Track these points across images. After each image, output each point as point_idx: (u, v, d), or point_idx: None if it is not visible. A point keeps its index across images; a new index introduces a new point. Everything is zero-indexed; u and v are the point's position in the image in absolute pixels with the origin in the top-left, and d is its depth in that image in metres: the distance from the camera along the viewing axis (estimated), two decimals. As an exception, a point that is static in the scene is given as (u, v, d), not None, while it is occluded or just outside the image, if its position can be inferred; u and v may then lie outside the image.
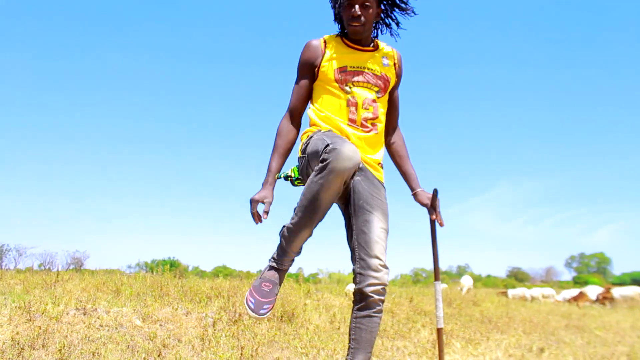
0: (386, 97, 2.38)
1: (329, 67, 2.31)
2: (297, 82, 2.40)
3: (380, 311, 2.11)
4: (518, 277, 57.76)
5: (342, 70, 2.30)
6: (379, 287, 2.06)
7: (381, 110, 2.34)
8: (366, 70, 2.32)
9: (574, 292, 14.15)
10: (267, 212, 2.17)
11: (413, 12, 2.41)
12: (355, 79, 2.30)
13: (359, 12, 2.23)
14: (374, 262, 2.07)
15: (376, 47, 2.40)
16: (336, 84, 2.29)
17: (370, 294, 2.06)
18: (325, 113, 2.29)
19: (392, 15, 2.43)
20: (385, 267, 2.10)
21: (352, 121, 2.27)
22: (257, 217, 2.17)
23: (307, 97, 2.39)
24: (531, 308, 10.69)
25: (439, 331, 2.39)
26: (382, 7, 2.38)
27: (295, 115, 2.39)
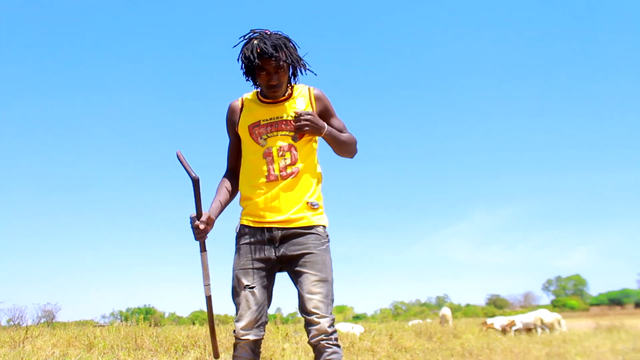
0: (307, 139, 2.39)
1: (244, 124, 2.41)
2: (228, 143, 2.54)
3: (334, 352, 2.14)
4: (497, 304, 57.89)
5: (256, 125, 2.38)
6: (321, 335, 2.14)
7: (302, 154, 2.36)
8: (279, 120, 2.36)
9: (488, 321, 14.56)
10: (206, 223, 2.23)
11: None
12: (268, 130, 2.36)
13: (275, 82, 2.29)
14: (310, 318, 2.17)
15: (291, 94, 2.42)
16: (252, 139, 2.38)
17: (315, 343, 2.15)
18: (243, 177, 2.43)
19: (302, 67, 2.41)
20: (324, 316, 2.16)
21: (269, 174, 2.33)
22: (197, 232, 2.22)
23: (239, 152, 2.49)
24: (511, 337, 10.69)
25: (208, 299, 2.34)
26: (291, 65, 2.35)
27: (235, 173, 2.51)
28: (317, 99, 2.44)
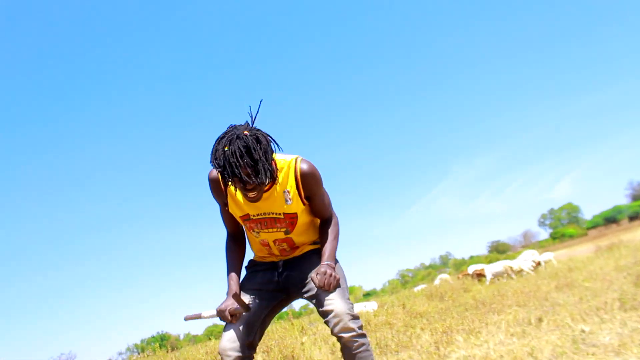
0: (301, 222, 2.26)
1: (233, 209, 2.24)
2: (219, 208, 2.35)
3: (359, 345, 2.08)
4: (499, 249, 58.71)
5: (246, 218, 2.23)
6: (340, 325, 2.05)
7: (300, 236, 2.31)
8: (268, 217, 2.20)
9: (470, 269, 14.90)
10: (234, 315, 2.18)
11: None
12: (259, 226, 2.23)
13: (255, 194, 2.01)
14: (325, 309, 2.10)
15: (275, 179, 2.13)
16: (246, 229, 2.33)
17: (337, 335, 2.07)
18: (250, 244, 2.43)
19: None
20: (340, 303, 2.10)
21: (269, 253, 2.35)
22: (230, 320, 2.18)
23: (235, 218, 2.31)
24: (519, 279, 10.86)
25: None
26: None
27: (237, 236, 2.40)
28: (303, 178, 2.15)
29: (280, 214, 2.19)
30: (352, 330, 2.05)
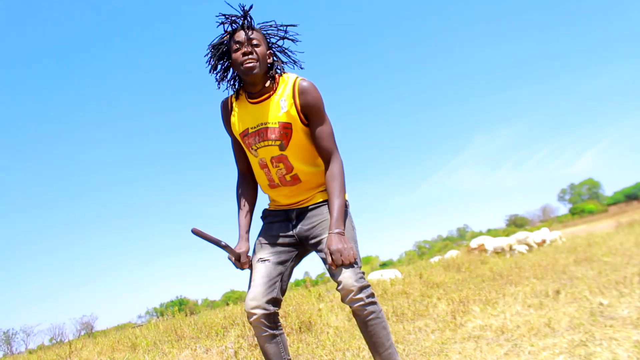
0: (297, 139, 2.23)
1: (236, 130, 2.30)
2: (231, 143, 2.42)
3: (369, 314, 2.08)
4: (517, 223, 58.35)
5: (245, 134, 2.27)
6: (349, 295, 2.05)
7: (296, 159, 2.24)
8: (264, 127, 2.21)
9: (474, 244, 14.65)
10: (245, 263, 2.28)
11: (296, 39, 2.28)
12: (256, 140, 2.24)
13: (250, 49, 2.13)
14: (337, 280, 2.10)
15: (275, 90, 2.21)
16: (247, 149, 2.32)
17: (349, 304, 2.08)
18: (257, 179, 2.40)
19: (282, 48, 2.28)
20: (349, 272, 2.08)
21: (271, 182, 2.30)
22: (241, 266, 2.30)
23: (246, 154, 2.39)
24: (537, 252, 10.81)
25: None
26: (270, 45, 2.25)
27: (248, 176, 2.43)
28: (302, 93, 2.17)
29: (275, 123, 2.19)
30: (360, 300, 2.05)
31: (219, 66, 2.29)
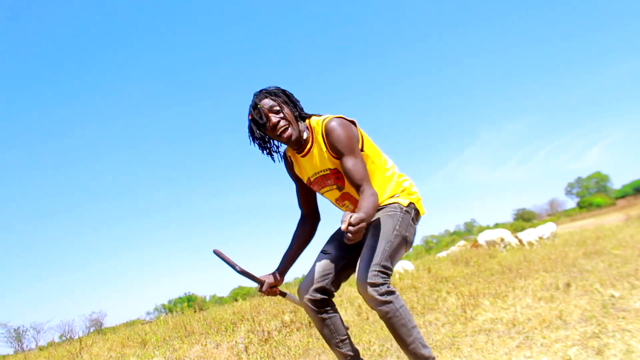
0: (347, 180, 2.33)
1: (300, 174, 2.48)
2: (295, 189, 2.58)
3: (384, 313, 2.07)
4: (525, 217, 58.08)
5: (309, 183, 2.44)
6: (364, 293, 2.09)
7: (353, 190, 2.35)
8: (320, 175, 2.37)
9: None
10: (266, 292, 2.42)
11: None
12: (319, 188, 2.43)
13: (276, 120, 2.24)
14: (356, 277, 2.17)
15: (312, 141, 2.33)
16: (315, 190, 2.49)
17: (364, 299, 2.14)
18: None
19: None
20: (365, 270, 2.10)
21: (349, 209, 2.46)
22: (261, 291, 2.42)
23: (307, 196, 2.55)
24: (545, 245, 10.76)
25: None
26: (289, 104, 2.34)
27: (307, 218, 2.58)
28: (328, 135, 2.24)
29: (326, 170, 2.33)
30: (372, 298, 2.05)
31: (264, 148, 2.42)
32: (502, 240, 12.80)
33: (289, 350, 3.80)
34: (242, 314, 6.22)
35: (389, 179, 2.41)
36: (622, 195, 61.23)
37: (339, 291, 7.39)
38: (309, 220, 2.57)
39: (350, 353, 2.36)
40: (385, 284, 2.09)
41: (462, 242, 17.03)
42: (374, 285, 2.05)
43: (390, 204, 2.35)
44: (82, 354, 5.97)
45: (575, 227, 22.31)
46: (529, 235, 12.85)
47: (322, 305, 2.32)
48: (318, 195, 2.55)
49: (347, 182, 2.32)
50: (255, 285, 2.43)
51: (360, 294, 2.10)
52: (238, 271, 2.32)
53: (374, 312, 4.88)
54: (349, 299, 6.37)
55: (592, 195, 65.05)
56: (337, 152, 2.23)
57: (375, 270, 2.08)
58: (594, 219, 33.74)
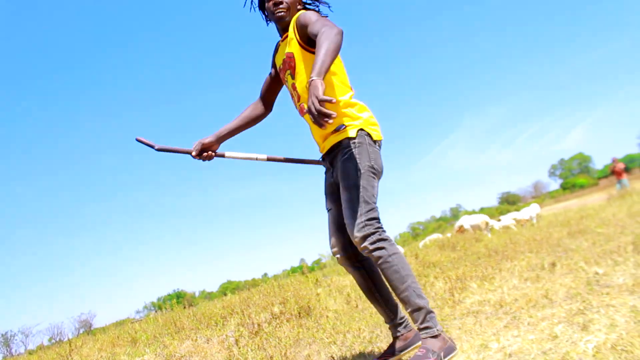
0: (300, 66, 2.35)
1: (277, 66, 2.58)
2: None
3: (377, 259, 2.20)
4: (509, 200, 58.71)
5: (279, 70, 2.55)
6: (359, 245, 2.21)
7: (303, 89, 2.35)
8: (284, 58, 2.45)
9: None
10: (197, 150, 2.49)
11: None
12: (283, 75, 2.51)
13: (279, 8, 2.38)
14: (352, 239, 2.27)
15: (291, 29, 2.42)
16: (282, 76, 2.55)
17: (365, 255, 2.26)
18: None
19: None
20: (353, 224, 2.21)
21: (298, 109, 2.46)
22: (190, 152, 2.50)
23: (273, 85, 2.68)
24: (530, 227, 10.87)
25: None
26: None
27: (260, 101, 2.71)
28: (298, 21, 2.31)
29: (289, 53, 2.39)
30: (365, 248, 2.19)
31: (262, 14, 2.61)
32: (487, 224, 12.93)
33: (279, 341, 3.80)
34: (231, 307, 6.21)
35: (345, 99, 2.36)
36: (605, 175, 62.02)
37: (327, 281, 7.43)
38: (261, 107, 2.69)
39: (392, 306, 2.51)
40: (377, 232, 2.20)
41: (434, 236, 16.91)
42: (365, 237, 2.18)
43: (341, 143, 2.33)
44: (72, 356, 5.92)
45: (559, 208, 22.57)
46: (510, 218, 13.01)
47: (356, 259, 2.46)
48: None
49: (297, 73, 2.36)
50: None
51: (360, 250, 2.23)
52: (157, 149, 2.37)
53: (363, 299, 4.91)
54: (337, 287, 6.39)
55: (575, 176, 65.91)
56: (303, 26, 2.25)
57: (362, 223, 2.19)
58: (578, 199, 34.18)
